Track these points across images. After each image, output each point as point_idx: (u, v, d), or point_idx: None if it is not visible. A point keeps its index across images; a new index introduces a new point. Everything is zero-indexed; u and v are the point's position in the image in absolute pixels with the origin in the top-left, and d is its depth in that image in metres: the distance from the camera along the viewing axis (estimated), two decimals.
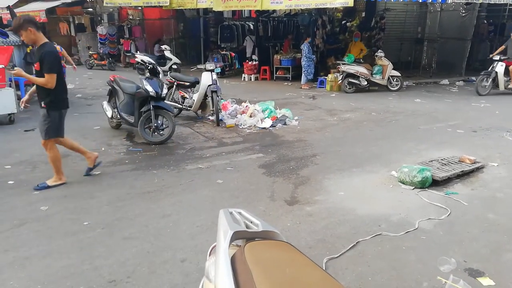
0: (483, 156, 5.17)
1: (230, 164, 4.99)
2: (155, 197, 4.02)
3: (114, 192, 4.14)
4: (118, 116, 6.14)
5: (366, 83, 10.55)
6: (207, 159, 5.22)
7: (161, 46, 13.66)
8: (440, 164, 4.75)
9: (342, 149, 5.69)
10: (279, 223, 3.47)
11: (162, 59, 13.13)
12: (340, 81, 10.73)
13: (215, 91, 6.88)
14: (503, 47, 10.56)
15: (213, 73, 7.14)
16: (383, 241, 3.17)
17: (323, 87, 11.34)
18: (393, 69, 10.66)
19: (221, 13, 15.11)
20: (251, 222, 1.60)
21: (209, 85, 6.97)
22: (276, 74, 13.07)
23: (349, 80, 10.54)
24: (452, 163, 4.80)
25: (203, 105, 7.31)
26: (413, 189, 4.20)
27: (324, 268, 2.77)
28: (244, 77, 13.11)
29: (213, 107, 6.96)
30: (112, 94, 6.42)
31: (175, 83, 7.49)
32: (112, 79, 6.35)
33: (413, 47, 14.84)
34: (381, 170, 4.79)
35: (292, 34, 14.73)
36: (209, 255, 1.57)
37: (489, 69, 10.10)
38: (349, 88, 10.62)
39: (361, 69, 10.47)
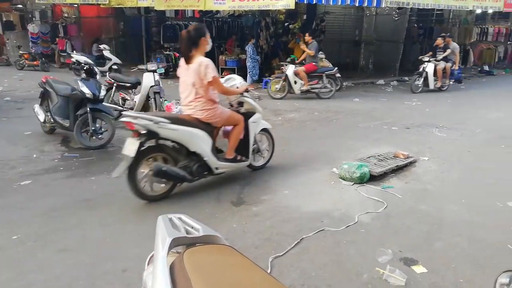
0: (415, 151, 5.54)
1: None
2: (94, 206, 3.81)
3: (48, 201, 3.86)
4: (52, 120, 5.75)
5: None
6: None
7: (100, 46, 13.01)
8: (377, 160, 5.02)
9: (287, 148, 5.80)
10: (225, 225, 3.46)
11: (101, 59, 12.52)
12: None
13: (158, 92, 6.69)
14: (430, 53, 11.34)
15: (155, 73, 6.94)
16: (326, 237, 3.28)
17: (268, 88, 11.48)
18: None
19: (163, 12, 14.75)
20: (192, 227, 1.57)
21: (151, 86, 6.76)
22: (221, 75, 13.01)
23: None
24: (387, 159, 5.09)
25: (145, 107, 7.07)
26: (353, 184, 4.39)
27: (270, 267, 2.82)
28: None
29: (156, 109, 6.77)
30: (44, 97, 5.99)
31: (115, 84, 7.17)
32: (44, 80, 5.93)
33: (352, 49, 15.57)
34: (324, 168, 4.95)
35: (236, 34, 14.78)
36: (147, 264, 1.52)
37: (420, 69, 10.83)
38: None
39: None
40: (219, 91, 4.06)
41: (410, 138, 6.43)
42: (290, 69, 9.66)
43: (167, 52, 13.70)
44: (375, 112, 8.46)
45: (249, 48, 11.47)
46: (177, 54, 14.16)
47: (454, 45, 11.06)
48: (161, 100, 6.79)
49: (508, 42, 16.73)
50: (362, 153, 5.45)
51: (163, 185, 3.95)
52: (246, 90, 4.54)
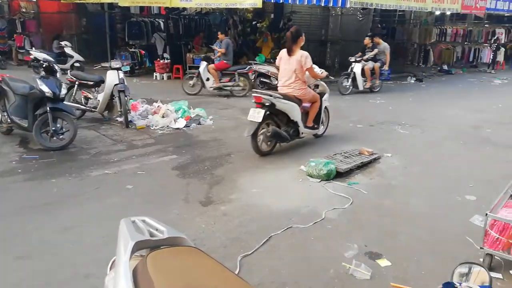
0: (379, 148, 5.70)
1: (141, 168, 4.77)
2: (54, 209, 3.65)
3: (4, 206, 3.67)
4: (9, 121, 5.46)
5: (276, 82, 10.91)
6: (115, 163, 4.91)
7: (61, 42, 12.50)
8: (343, 157, 5.13)
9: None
10: (193, 225, 3.42)
11: (62, 57, 12.04)
12: (253, 80, 10.97)
13: (123, 91, 6.51)
14: (360, 53, 11.00)
15: (119, 71, 6.75)
16: (294, 234, 3.32)
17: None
18: None
19: (128, 8, 14.35)
20: (157, 230, 1.53)
21: (115, 84, 6.56)
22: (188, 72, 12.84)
23: (261, 79, 10.82)
24: (353, 156, 5.22)
25: (109, 106, 6.86)
26: (320, 181, 4.47)
27: (238, 266, 2.82)
28: (155, 76, 12.66)
29: (121, 108, 6.58)
30: (0, 96, 5.68)
31: (77, 83, 6.91)
32: (0, 78, 5.62)
33: (318, 48, 15.81)
34: (292, 165, 5.00)
35: (204, 32, 14.63)
36: (110, 269, 1.47)
37: (349, 70, 10.64)
38: (261, 87, 10.89)
39: (271, 69, 10.81)
40: (312, 75, 5.55)
41: (374, 135, 6.62)
42: (202, 66, 9.70)
43: (133, 50, 13.37)
44: (340, 110, 8.61)
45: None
46: (143, 52, 13.87)
47: (385, 45, 10.78)
48: (126, 98, 6.60)
49: (465, 43, 17.55)
50: (329, 150, 5.54)
51: (268, 143, 5.36)
52: (327, 76, 6.00)
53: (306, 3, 9.97)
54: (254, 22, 14.94)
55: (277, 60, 5.64)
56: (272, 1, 10.44)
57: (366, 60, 10.52)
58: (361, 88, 10.50)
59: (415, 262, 2.93)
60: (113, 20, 15.03)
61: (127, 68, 12.16)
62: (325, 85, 6.15)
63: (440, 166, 5.12)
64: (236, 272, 2.74)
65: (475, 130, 7.02)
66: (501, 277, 2.75)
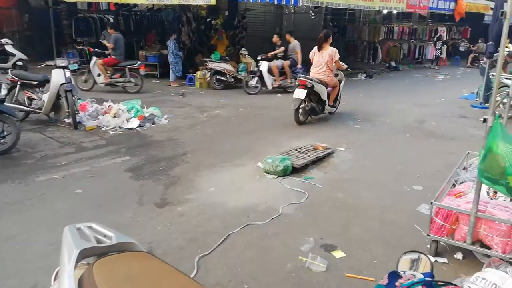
0: (333, 143, 5.87)
1: (92, 171, 4.56)
2: None
3: None
4: None
5: (233, 80, 10.91)
6: (63, 167, 4.66)
7: (1, 40, 11.64)
8: (298, 153, 5.22)
9: (213, 145, 5.77)
10: (148, 228, 3.33)
11: (2, 55, 11.22)
12: (209, 78, 10.88)
13: (70, 90, 6.17)
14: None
15: (66, 70, 6.40)
16: (252, 231, 3.33)
17: (192, 84, 11.31)
18: (256, 66, 11.28)
19: (74, 4, 13.66)
20: (104, 236, 1.46)
21: (61, 84, 6.21)
22: (145, 71, 12.47)
23: (217, 77, 10.75)
24: (308, 151, 5.33)
25: (56, 106, 6.49)
26: (277, 177, 4.52)
27: (196, 267, 2.78)
28: None
29: (68, 108, 6.24)
30: None
31: (19, 83, 6.46)
32: None
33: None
34: (249, 163, 5.02)
35: (157, 29, 14.27)
36: (53, 280, 1.39)
37: (255, 68, 10.38)
38: (217, 85, 10.84)
39: (227, 67, 10.79)
40: (337, 66, 7.21)
41: (328, 130, 6.80)
42: (92, 61, 9.56)
43: (80, 47, 12.74)
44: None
45: (170, 44, 11.15)
46: (92, 49, 13.26)
47: (295, 43, 10.36)
48: (73, 98, 6.28)
49: (411, 40, 18.51)
50: (285, 147, 5.62)
51: (305, 115, 7.08)
52: (346, 69, 7.56)
53: (259, 0, 10.02)
54: (208, 19, 14.78)
55: (310, 54, 7.25)
56: None
57: (272, 58, 10.10)
58: (269, 87, 10.05)
59: (367, 252, 3.05)
60: (58, 16, 14.23)
61: (75, 67, 11.54)
62: (343, 74, 7.88)
63: (389, 159, 5.36)
64: (194, 273, 2.70)
65: (421, 124, 7.43)
66: (446, 262, 2.93)
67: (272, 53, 10.32)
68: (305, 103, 6.86)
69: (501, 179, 2.35)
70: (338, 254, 3.02)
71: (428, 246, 3.04)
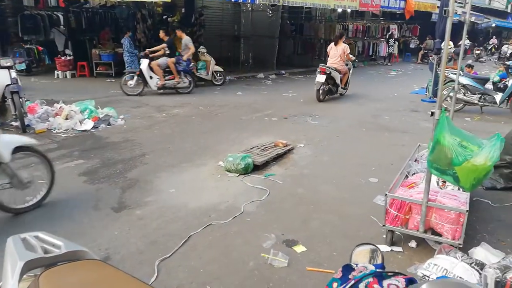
0: (292, 139, 5.96)
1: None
2: None
3: None
4: None
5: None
6: None
7: None
8: (259, 150, 5.25)
9: (172, 145, 5.66)
10: (105, 234, 3.21)
11: None
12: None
13: (16, 92, 5.81)
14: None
15: (11, 70, 6.01)
16: (214, 231, 3.30)
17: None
18: (215, 64, 11.21)
19: (20, 0, 12.86)
20: (53, 245, 1.38)
21: (7, 85, 5.83)
22: (96, 70, 12.02)
23: None
24: (269, 148, 5.37)
25: (1, 109, 6.09)
26: (238, 175, 4.51)
27: (156, 271, 2.71)
28: (57, 74, 11.62)
29: (15, 111, 5.87)
30: None
31: None
32: None
33: (232, 44, 15.92)
34: (210, 162, 4.97)
35: (110, 27, 13.77)
36: None
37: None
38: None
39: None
40: (348, 58, 9.31)
41: (288, 127, 6.89)
42: (145, 64, 9.26)
43: (28, 46, 12.04)
44: (256, 104, 8.83)
45: (125, 41, 10.82)
46: (41, 48, 12.57)
47: (186, 38, 9.80)
48: (21, 100, 5.91)
49: (365, 38, 19.14)
50: (246, 145, 5.63)
51: (324, 95, 9.17)
52: (354, 60, 10.17)
53: None
54: (164, 17, 14.46)
55: (328, 48, 9.49)
56: None
57: (149, 54, 9.36)
58: (153, 87, 9.28)
59: (327, 245, 3.12)
60: (3, 13, 13.34)
61: (23, 66, 10.98)
62: (351, 64, 9.87)
63: (346, 153, 5.51)
64: (154, 277, 2.64)
65: (375, 118, 7.72)
66: (402, 250, 3.06)
67: (151, 49, 9.55)
68: (324, 85, 8.89)
69: (449, 169, 2.48)
70: (299, 248, 3.06)
71: (384, 236, 3.16)
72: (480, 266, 2.44)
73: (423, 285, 0.77)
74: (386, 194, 3.05)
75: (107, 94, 9.42)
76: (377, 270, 0.92)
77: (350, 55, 9.37)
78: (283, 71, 14.28)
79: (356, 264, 1.04)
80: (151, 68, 9.24)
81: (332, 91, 9.25)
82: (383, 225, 3.10)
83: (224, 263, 2.85)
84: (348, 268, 1.02)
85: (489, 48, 25.59)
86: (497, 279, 2.17)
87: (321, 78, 8.75)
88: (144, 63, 9.20)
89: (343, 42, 9.26)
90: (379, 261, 1.10)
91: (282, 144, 5.51)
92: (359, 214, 3.66)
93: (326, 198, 4.03)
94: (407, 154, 4.23)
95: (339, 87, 9.39)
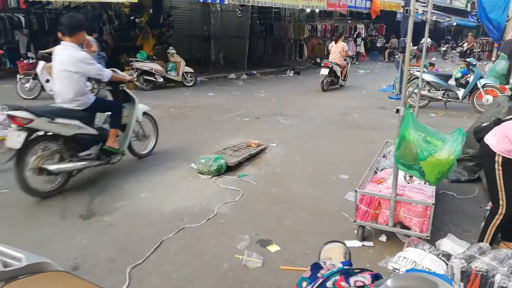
0: (265, 139, 5.97)
1: (4, 185, 4.13)
2: None
3: None
4: None
5: (162, 80, 10.60)
6: None
7: None
8: (232, 151, 5.23)
9: None
10: (73, 243, 3.09)
11: None
12: (136, 78, 10.43)
13: None
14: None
15: None
16: (187, 234, 3.26)
17: None
18: (186, 65, 11.08)
19: None
20: (14, 258, 1.31)
21: None
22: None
23: (145, 77, 10.37)
24: (241, 149, 5.36)
25: None
26: (211, 177, 4.48)
27: (127, 278, 2.64)
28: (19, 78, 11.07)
29: None
30: None
31: None
32: None
33: (202, 44, 15.80)
34: (182, 164, 4.91)
35: None
36: None
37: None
38: (146, 86, 10.45)
39: (155, 66, 10.44)
40: (346, 54, 11.15)
41: (260, 127, 6.90)
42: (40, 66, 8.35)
43: None
44: (228, 104, 8.80)
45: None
46: (1, 51, 11.98)
47: (89, 38, 8.61)
48: None
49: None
50: (218, 146, 5.60)
51: (328, 86, 10.92)
52: (351, 56, 13.37)
53: None
54: (132, 18, 14.18)
55: (329, 46, 11.49)
56: None
57: (45, 55, 8.38)
58: (49, 91, 8.20)
59: (301, 243, 3.15)
60: None
61: None
62: (349, 59, 11.67)
63: (318, 151, 5.59)
64: (126, 285, 2.57)
65: (345, 116, 7.87)
66: (372, 245, 3.12)
67: (46, 51, 8.36)
68: (327, 77, 10.49)
69: (415, 164, 2.56)
70: (273, 248, 3.07)
71: (356, 231, 3.22)
72: (447, 257, 2.53)
73: (388, 281, 0.79)
74: (356, 191, 3.12)
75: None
76: (344, 267, 0.93)
77: (348, 51, 11.62)
78: (254, 71, 14.30)
79: (324, 262, 1.05)
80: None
81: (334, 82, 10.94)
82: (354, 221, 3.16)
83: (197, 267, 2.81)
84: (316, 267, 1.03)
85: (459, 47, 26.06)
86: (463, 269, 2.25)
87: (324, 71, 10.35)
88: (39, 65, 8.33)
89: (342, 41, 11.11)
90: (347, 258, 1.11)
91: (254, 144, 5.51)
92: (331, 211, 3.72)
93: (299, 196, 4.07)
94: (376, 150, 4.33)
95: (340, 79, 11.07)
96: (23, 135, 3.52)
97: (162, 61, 10.94)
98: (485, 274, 2.18)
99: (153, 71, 10.35)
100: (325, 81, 10.50)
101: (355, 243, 3.12)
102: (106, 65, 10.93)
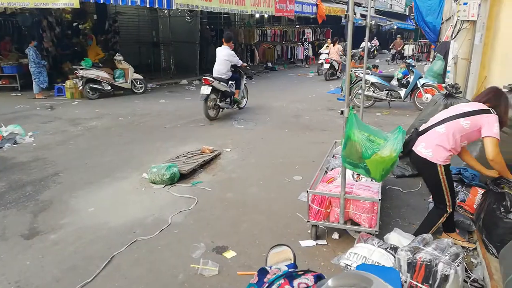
0: (219, 144, 5.95)
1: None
2: None
3: None
4: None
5: (110, 87, 10.24)
6: None
7: None
8: (185, 158, 5.14)
9: (90, 160, 5.30)
10: (15, 265, 2.89)
11: None
12: (81, 87, 9.98)
13: None
14: None
15: None
16: (139, 247, 3.15)
17: (62, 95, 10.27)
18: (135, 72, 10.77)
19: None
20: None
21: None
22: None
23: (91, 85, 9.94)
24: (195, 155, 5.29)
25: None
26: (164, 186, 4.38)
27: None
28: None
29: None
30: None
31: None
32: None
33: (151, 50, 15.46)
34: (133, 175, 4.75)
35: (12, 36, 12.53)
36: None
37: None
38: (92, 94, 10.03)
39: (101, 74, 10.06)
40: (343, 53, 14.24)
41: (214, 132, 6.86)
42: None
43: None
44: (181, 111, 8.67)
45: (30, 51, 9.88)
46: None
47: None
48: None
49: (283, 42, 19.88)
50: (171, 153, 5.49)
51: (329, 77, 14.32)
52: (344, 54, 14.70)
53: (129, 4, 9.55)
54: (75, 24, 13.53)
55: (329, 48, 14.47)
56: (92, 1, 9.61)
57: None
58: None
59: (257, 247, 3.16)
60: None
61: None
62: (344, 57, 13.41)
63: (272, 154, 5.65)
64: None
65: (297, 119, 8.04)
66: (326, 243, 3.20)
67: None
68: (329, 70, 13.77)
69: (360, 162, 2.66)
70: (229, 254, 3.05)
71: (309, 231, 3.28)
72: (394, 250, 2.65)
73: (329, 280, 0.80)
74: (307, 191, 3.18)
75: (12, 109, 8.55)
76: (289, 270, 0.94)
77: (341, 52, 14.39)
78: None
79: (270, 267, 1.05)
80: None
81: (334, 73, 14.23)
82: (307, 221, 3.23)
83: (151, 280, 2.73)
84: (263, 272, 1.03)
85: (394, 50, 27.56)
86: (409, 260, 2.37)
87: (326, 65, 13.88)
88: None
89: (338, 44, 14.42)
90: (292, 260, 1.12)
91: (208, 150, 5.47)
92: (286, 212, 3.77)
93: (254, 200, 4.09)
94: (327, 150, 4.46)
95: (337, 71, 14.37)
96: (209, 88, 7.18)
97: (109, 68, 10.56)
98: (429, 263, 2.31)
99: (99, 79, 9.96)
100: (326, 73, 13.96)
101: (309, 243, 3.18)
102: (48, 74, 10.40)
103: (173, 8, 10.76)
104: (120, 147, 5.94)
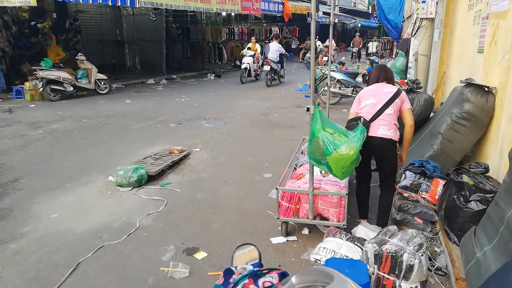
0: (188, 144, 5.87)
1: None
2: None
3: None
4: None
5: (72, 88, 9.86)
6: None
7: None
8: (153, 160, 5.05)
9: (52, 165, 5.09)
10: None
11: None
12: (41, 88, 9.56)
13: None
14: None
15: None
16: (106, 253, 3.06)
17: (21, 97, 9.80)
18: (98, 72, 10.44)
19: None
20: None
21: None
22: None
23: (52, 87, 9.54)
24: (163, 156, 5.20)
25: None
26: (132, 189, 4.27)
27: None
28: None
29: None
30: None
31: None
32: None
33: (116, 50, 15.03)
34: (98, 179, 4.61)
35: None
36: None
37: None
38: (53, 96, 9.63)
39: (63, 74, 9.67)
40: (334, 49, 20.64)
41: (183, 132, 6.77)
42: None
43: None
44: (148, 111, 8.49)
45: None
46: None
47: None
48: None
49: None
50: (138, 155, 5.37)
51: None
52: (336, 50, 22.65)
53: (91, 1, 9.23)
54: (33, 23, 12.93)
55: (327, 43, 13.81)
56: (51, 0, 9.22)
57: None
58: None
59: (228, 246, 3.14)
60: None
61: None
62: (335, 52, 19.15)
63: (241, 152, 5.65)
64: None
65: (266, 116, 8.07)
66: (296, 239, 3.23)
67: None
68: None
69: (323, 159, 2.69)
70: (200, 255, 3.02)
71: (280, 228, 3.30)
72: (362, 242, 2.71)
73: (292, 277, 0.81)
74: (277, 188, 3.20)
75: None
76: (254, 269, 0.94)
77: (334, 52, 15.30)
78: (174, 76, 14.01)
79: (236, 267, 1.05)
80: None
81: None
82: (278, 218, 3.25)
83: (120, 286, 2.65)
84: (229, 272, 1.03)
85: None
86: (375, 252, 2.43)
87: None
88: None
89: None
90: (257, 259, 1.12)
91: (177, 150, 5.39)
92: (256, 210, 3.78)
93: (225, 199, 4.07)
94: (295, 147, 4.50)
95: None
96: (269, 66, 12.08)
97: (71, 68, 10.17)
98: (394, 254, 2.38)
99: (60, 80, 9.57)
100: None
101: (280, 239, 3.20)
102: (5, 76, 9.89)
103: (137, 6, 10.51)
104: (84, 150, 5.74)
